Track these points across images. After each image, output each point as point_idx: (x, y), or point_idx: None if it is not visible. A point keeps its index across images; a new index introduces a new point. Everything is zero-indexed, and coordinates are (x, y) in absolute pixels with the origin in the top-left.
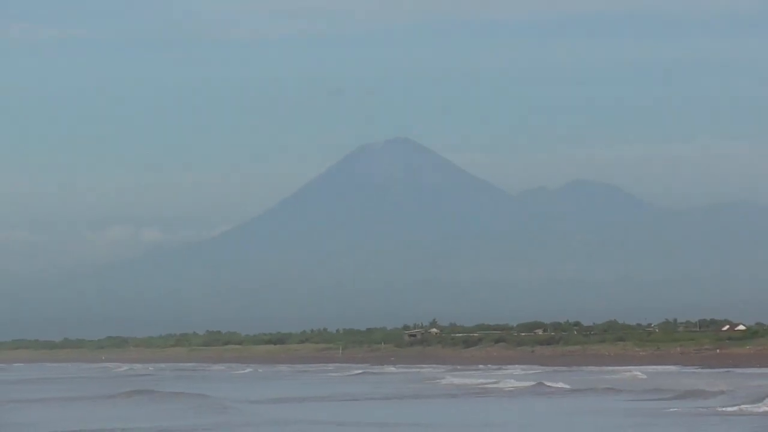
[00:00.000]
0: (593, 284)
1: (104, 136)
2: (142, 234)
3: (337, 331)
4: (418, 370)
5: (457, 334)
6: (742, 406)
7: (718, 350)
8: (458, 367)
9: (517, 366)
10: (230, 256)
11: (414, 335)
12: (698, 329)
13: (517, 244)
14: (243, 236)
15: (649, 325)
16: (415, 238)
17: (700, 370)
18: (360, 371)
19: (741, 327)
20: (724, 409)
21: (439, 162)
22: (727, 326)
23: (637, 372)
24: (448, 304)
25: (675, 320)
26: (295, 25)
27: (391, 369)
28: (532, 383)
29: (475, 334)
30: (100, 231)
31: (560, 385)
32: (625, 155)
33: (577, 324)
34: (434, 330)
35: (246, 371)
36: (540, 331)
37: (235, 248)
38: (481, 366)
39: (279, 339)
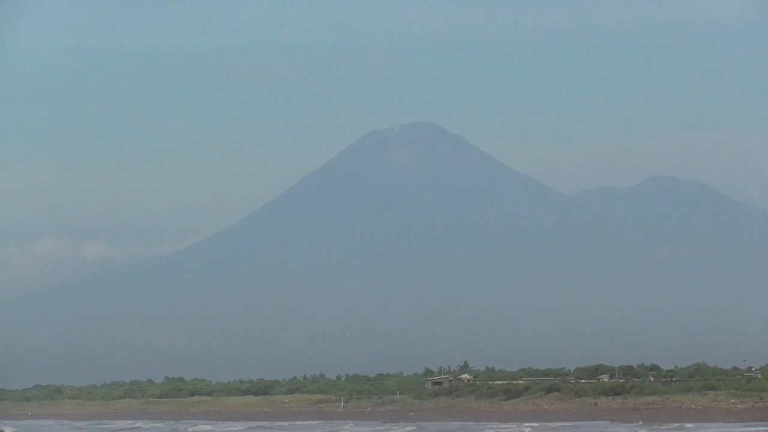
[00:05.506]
0: (675, 314)
1: (28, 120)
2: (82, 249)
3: (338, 377)
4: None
5: (495, 382)
6: None
7: None
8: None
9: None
10: (197, 278)
11: (439, 383)
12: None
13: (573, 261)
14: (214, 251)
15: (749, 368)
16: (439, 252)
17: None
18: None
19: None
20: None
21: (472, 153)
22: None
23: None
24: (484, 342)
25: None
26: None
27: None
28: None
29: (520, 381)
30: (27, 245)
31: None
32: (717, 145)
33: (654, 368)
34: (466, 376)
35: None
36: (605, 377)
37: (204, 267)
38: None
39: (261, 388)
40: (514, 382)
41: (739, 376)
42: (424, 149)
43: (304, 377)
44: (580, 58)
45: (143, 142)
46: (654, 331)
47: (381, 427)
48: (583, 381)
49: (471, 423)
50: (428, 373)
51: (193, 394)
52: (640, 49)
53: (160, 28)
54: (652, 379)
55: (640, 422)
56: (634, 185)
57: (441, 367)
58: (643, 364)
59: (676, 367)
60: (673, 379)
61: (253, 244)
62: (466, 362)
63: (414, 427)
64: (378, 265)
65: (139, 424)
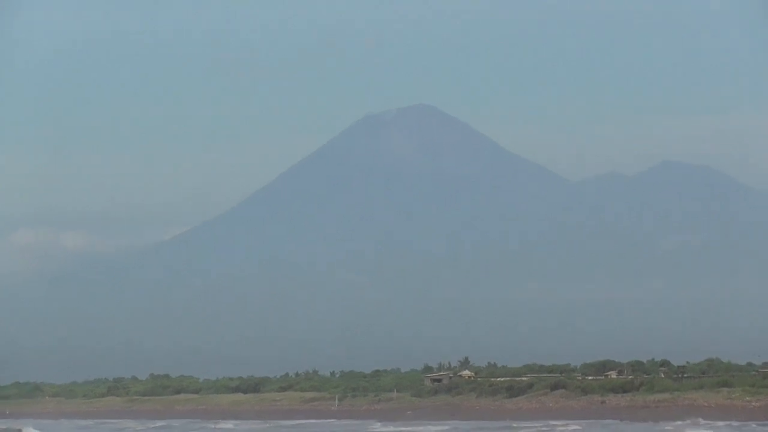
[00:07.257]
0: (686, 307)
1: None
2: (62, 240)
3: (332, 374)
4: None
5: (498, 378)
6: None
7: None
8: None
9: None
10: (183, 270)
11: (439, 380)
12: None
13: (579, 251)
14: (202, 242)
15: (765, 364)
16: (438, 242)
17: None
18: None
19: None
20: None
21: (473, 138)
22: None
23: None
24: (485, 336)
25: None
26: None
27: None
28: None
29: (524, 378)
30: (3, 236)
31: None
32: (730, 129)
33: (664, 363)
34: (467, 373)
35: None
36: (613, 374)
37: (191, 258)
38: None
39: (251, 385)
40: (517, 378)
41: (754, 372)
42: (421, 133)
43: (297, 374)
44: (586, 42)
45: (127, 130)
46: (664, 324)
47: (410, 428)
48: (589, 378)
49: (512, 421)
50: (427, 369)
51: (179, 392)
52: (648, 33)
53: (152, 18)
54: (662, 376)
55: (689, 421)
56: (643, 171)
57: (440, 363)
58: (653, 359)
59: (687, 362)
60: (685, 375)
61: (242, 233)
62: (466, 358)
63: (448, 427)
64: (373, 256)
65: (158, 423)
